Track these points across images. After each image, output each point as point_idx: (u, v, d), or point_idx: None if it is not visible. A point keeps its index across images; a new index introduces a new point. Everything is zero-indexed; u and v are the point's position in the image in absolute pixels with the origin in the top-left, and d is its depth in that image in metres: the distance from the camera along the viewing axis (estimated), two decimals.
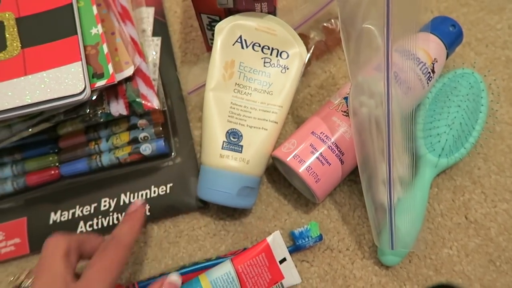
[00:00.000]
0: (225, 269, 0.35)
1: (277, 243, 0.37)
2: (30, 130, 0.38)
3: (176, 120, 0.44)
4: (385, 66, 0.32)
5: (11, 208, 0.42)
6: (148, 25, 0.48)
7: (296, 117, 0.44)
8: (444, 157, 0.39)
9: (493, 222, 0.39)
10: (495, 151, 0.42)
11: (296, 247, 0.38)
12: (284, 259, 0.36)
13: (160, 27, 0.48)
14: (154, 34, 0.48)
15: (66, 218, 0.41)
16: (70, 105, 0.36)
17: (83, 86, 0.35)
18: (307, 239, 0.38)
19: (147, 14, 0.49)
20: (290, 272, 0.36)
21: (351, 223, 0.40)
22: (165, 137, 0.42)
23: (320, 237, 0.39)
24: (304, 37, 0.45)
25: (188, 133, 0.44)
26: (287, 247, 0.37)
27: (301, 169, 0.36)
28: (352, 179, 0.41)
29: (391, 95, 0.33)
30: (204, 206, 0.41)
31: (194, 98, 0.45)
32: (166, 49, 0.47)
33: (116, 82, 0.37)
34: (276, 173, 0.42)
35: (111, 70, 0.37)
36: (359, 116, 0.35)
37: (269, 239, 0.36)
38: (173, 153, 0.43)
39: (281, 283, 0.36)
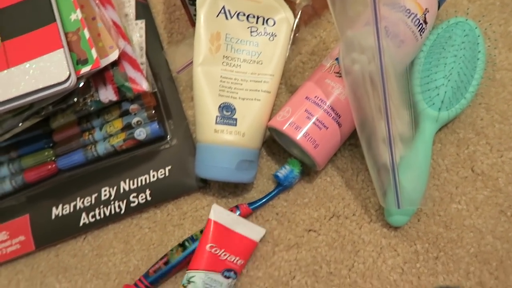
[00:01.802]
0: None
1: (220, 214, 0.38)
2: (20, 125, 0.37)
3: (168, 102, 0.43)
4: (374, 17, 0.31)
5: (12, 207, 0.42)
6: (131, 9, 0.47)
7: (289, 86, 0.43)
8: (444, 110, 0.38)
9: (500, 172, 0.38)
10: (496, 99, 0.40)
11: (283, 188, 0.39)
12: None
13: (143, 10, 0.47)
14: (138, 17, 0.47)
15: (68, 212, 0.40)
16: (57, 94, 0.35)
17: (68, 73, 0.34)
18: (292, 180, 0.38)
19: None
20: (250, 230, 0.37)
21: (355, 187, 0.39)
22: (159, 120, 0.42)
23: (303, 171, 0.39)
24: (290, 3, 0.44)
25: (182, 114, 0.43)
26: (273, 191, 0.39)
27: (299, 136, 0.35)
28: (352, 143, 0.40)
29: (382, 48, 0.31)
30: (205, 185, 0.41)
31: (185, 77, 0.44)
32: (151, 31, 0.46)
33: (101, 66, 0.36)
34: (275, 145, 0.41)
35: (95, 55, 0.36)
36: (352, 74, 0.34)
37: (210, 216, 0.38)
38: (168, 136, 0.42)
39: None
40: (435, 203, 0.38)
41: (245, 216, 0.39)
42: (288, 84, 0.43)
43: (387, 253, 0.37)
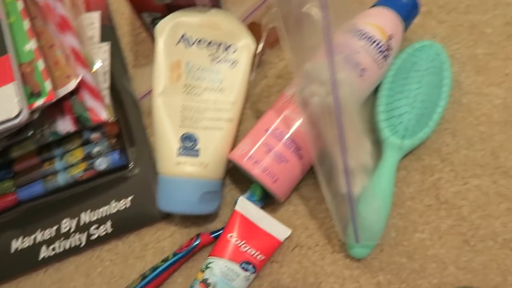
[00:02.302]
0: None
1: (246, 207, 0.37)
2: None
3: (132, 128, 0.43)
4: (327, 49, 0.30)
5: None
6: (95, 31, 0.46)
7: (255, 111, 0.43)
8: (408, 138, 0.37)
9: (464, 200, 0.38)
10: (463, 124, 0.40)
11: None
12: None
13: (108, 32, 0.46)
14: (103, 39, 0.46)
15: (28, 245, 0.40)
16: (8, 130, 0.34)
17: (19, 109, 0.33)
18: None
19: (93, 20, 0.46)
20: (275, 228, 0.37)
21: (319, 217, 0.39)
22: (121, 148, 0.41)
23: (266, 196, 0.38)
24: (256, 26, 0.43)
25: (145, 141, 0.42)
26: None
27: (257, 171, 0.34)
28: None
29: (337, 81, 0.31)
30: (167, 216, 0.40)
31: (149, 102, 0.43)
32: (117, 54, 0.45)
33: (55, 99, 0.35)
34: (239, 174, 0.41)
35: (48, 87, 0.35)
36: (311, 107, 0.34)
37: (236, 208, 0.37)
38: (131, 164, 0.41)
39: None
40: (398, 232, 0.38)
41: (206, 245, 0.38)
42: (254, 109, 0.43)
43: (350, 284, 0.37)
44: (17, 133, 0.37)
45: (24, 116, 0.34)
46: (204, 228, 0.39)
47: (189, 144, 0.36)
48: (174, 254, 0.38)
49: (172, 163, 0.36)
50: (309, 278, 0.37)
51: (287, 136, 0.35)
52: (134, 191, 0.40)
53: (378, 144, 0.38)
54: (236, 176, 0.41)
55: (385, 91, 0.39)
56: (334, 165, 0.34)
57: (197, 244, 0.38)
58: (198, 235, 0.38)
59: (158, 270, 0.37)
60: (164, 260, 0.38)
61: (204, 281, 0.35)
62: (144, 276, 0.37)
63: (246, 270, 0.35)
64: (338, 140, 0.32)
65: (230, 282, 0.35)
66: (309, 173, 0.40)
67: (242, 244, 0.36)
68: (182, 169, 0.36)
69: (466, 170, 0.39)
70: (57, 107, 0.38)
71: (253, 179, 0.39)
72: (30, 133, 0.36)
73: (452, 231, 0.37)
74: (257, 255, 0.36)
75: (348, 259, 0.37)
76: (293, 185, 0.36)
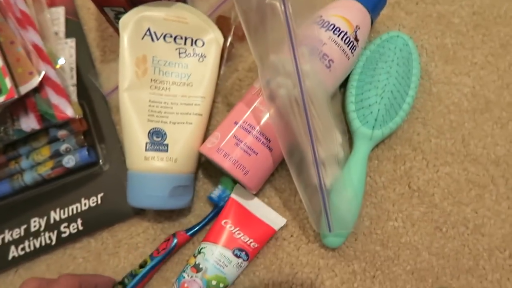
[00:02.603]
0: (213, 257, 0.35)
1: (241, 194, 0.37)
2: None
3: (101, 124, 0.42)
4: (289, 41, 0.30)
5: None
6: (60, 27, 0.45)
7: (226, 105, 0.42)
8: (378, 128, 0.37)
9: (436, 188, 0.38)
10: (433, 113, 0.40)
11: (219, 209, 0.38)
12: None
13: (74, 27, 0.45)
14: (68, 35, 0.45)
15: None
16: None
17: None
18: (226, 199, 0.38)
19: (57, 15, 0.45)
20: (270, 217, 0.37)
21: (293, 208, 0.39)
22: (90, 145, 0.40)
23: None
24: (225, 19, 0.42)
25: (115, 137, 0.41)
26: (210, 214, 0.38)
27: (227, 164, 0.34)
28: None
29: (301, 72, 0.31)
30: (140, 212, 0.39)
31: (117, 97, 0.42)
32: (84, 50, 0.44)
33: (16, 97, 0.34)
34: (212, 167, 0.40)
35: (9, 84, 0.34)
36: (279, 99, 0.33)
37: (232, 195, 0.37)
38: (100, 161, 0.40)
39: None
40: (372, 221, 0.38)
41: (183, 244, 0.38)
42: (225, 103, 0.42)
43: (325, 274, 0.37)
44: None
45: None
46: (178, 223, 0.39)
47: (157, 139, 0.36)
48: (152, 258, 0.37)
49: (141, 158, 0.35)
50: (285, 269, 0.37)
51: (256, 128, 0.34)
52: (105, 188, 0.40)
53: (349, 135, 0.38)
54: (209, 170, 0.40)
55: (354, 82, 0.39)
56: (304, 156, 0.34)
57: (175, 245, 0.37)
58: (174, 235, 0.37)
59: (138, 277, 0.36)
60: (142, 265, 0.37)
61: (196, 266, 0.35)
62: (124, 284, 0.36)
63: (239, 257, 0.35)
64: (306, 131, 0.32)
65: (222, 268, 0.35)
66: (282, 165, 0.40)
67: (236, 231, 0.36)
68: (151, 164, 0.35)
69: (437, 158, 0.39)
70: (20, 105, 0.37)
71: (225, 172, 0.39)
72: None
73: (425, 218, 0.37)
74: (251, 242, 0.36)
75: (323, 249, 0.37)
76: (265, 177, 0.36)
